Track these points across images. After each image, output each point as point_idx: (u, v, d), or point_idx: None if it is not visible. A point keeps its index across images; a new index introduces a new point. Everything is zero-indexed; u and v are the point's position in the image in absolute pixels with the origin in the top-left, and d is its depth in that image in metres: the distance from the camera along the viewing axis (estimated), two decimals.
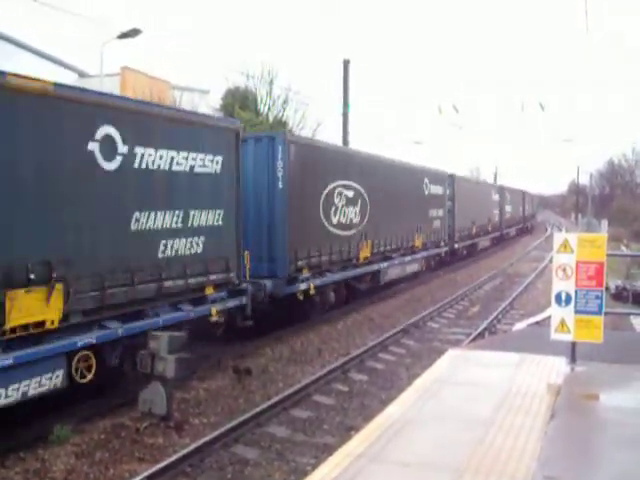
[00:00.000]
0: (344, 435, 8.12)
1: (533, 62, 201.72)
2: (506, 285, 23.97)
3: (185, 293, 10.32)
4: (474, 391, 6.31)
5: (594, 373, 6.91)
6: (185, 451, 7.42)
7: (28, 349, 7.45)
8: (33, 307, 7.47)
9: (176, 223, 9.98)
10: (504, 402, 5.91)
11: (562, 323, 6.84)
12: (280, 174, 13.49)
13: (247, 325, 12.28)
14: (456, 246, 29.23)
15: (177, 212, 9.99)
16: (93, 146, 8.42)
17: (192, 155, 10.33)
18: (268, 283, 13.09)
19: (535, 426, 5.27)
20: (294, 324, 14.70)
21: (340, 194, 16.20)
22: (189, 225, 10.29)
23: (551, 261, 8.13)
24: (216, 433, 8.00)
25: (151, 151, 9.41)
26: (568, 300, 6.80)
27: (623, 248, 37.74)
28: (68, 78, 29.23)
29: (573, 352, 7.04)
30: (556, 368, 6.96)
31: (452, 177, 28.95)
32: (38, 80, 7.79)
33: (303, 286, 14.29)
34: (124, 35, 21.80)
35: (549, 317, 7.35)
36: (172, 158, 9.89)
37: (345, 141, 25.27)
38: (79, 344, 8.14)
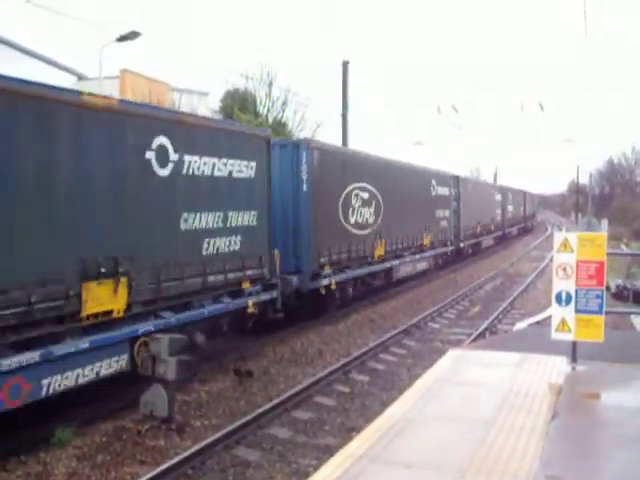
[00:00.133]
0: (345, 436, 8.12)
1: (533, 62, 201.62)
2: (507, 285, 23.99)
3: (225, 287, 11.30)
4: (475, 391, 6.31)
5: (595, 372, 6.92)
6: (187, 453, 7.41)
7: (100, 334, 8.37)
8: (103, 297, 8.42)
9: (217, 223, 10.95)
10: (505, 402, 5.91)
11: (563, 322, 6.84)
12: (304, 178, 14.40)
13: (278, 317, 13.29)
14: (461, 245, 29.83)
15: (218, 213, 10.95)
16: (150, 155, 9.40)
17: (230, 161, 11.32)
18: (294, 279, 13.92)
19: (536, 426, 5.27)
20: (318, 316, 15.52)
21: (357, 196, 17.10)
22: (228, 225, 11.25)
23: (551, 260, 8.14)
24: (218, 435, 7.98)
25: (196, 158, 10.39)
26: (568, 299, 6.80)
27: (623, 247, 37.73)
28: (67, 81, 29.20)
29: (574, 351, 7.04)
30: (557, 368, 6.96)
31: (457, 178, 29.48)
32: (104, 97, 8.95)
33: (325, 282, 15.22)
34: (123, 38, 21.82)
35: (550, 317, 7.37)
36: (214, 164, 10.85)
37: (345, 142, 25.28)
38: (140, 331, 9.04)
